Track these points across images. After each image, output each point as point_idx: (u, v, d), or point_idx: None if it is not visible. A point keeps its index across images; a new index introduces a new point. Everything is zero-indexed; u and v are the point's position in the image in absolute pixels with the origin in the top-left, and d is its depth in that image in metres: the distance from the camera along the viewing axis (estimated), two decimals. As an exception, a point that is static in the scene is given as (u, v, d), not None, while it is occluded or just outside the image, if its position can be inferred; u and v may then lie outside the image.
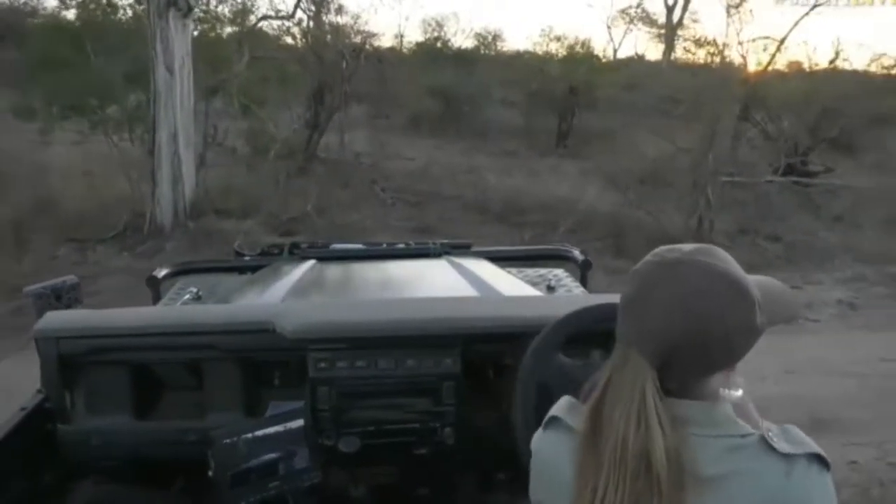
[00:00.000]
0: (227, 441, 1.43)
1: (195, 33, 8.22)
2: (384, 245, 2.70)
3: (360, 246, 2.69)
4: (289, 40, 10.96)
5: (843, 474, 3.69)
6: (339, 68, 9.36)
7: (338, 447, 1.52)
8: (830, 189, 9.74)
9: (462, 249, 2.61)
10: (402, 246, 2.64)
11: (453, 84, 14.21)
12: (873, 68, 15.14)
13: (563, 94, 13.37)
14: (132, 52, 7.28)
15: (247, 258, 2.62)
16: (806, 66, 13.35)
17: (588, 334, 1.37)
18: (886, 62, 15.41)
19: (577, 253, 2.66)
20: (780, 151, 10.18)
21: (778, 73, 11.28)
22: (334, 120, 9.97)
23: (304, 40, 10.47)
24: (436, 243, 2.57)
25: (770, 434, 0.84)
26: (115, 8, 8.73)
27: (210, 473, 1.42)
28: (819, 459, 0.84)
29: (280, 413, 1.50)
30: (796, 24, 10.04)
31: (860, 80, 13.39)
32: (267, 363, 1.60)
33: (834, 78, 12.83)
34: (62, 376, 1.52)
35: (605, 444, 0.82)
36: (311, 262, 2.32)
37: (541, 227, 7.87)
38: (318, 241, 2.72)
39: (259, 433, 1.45)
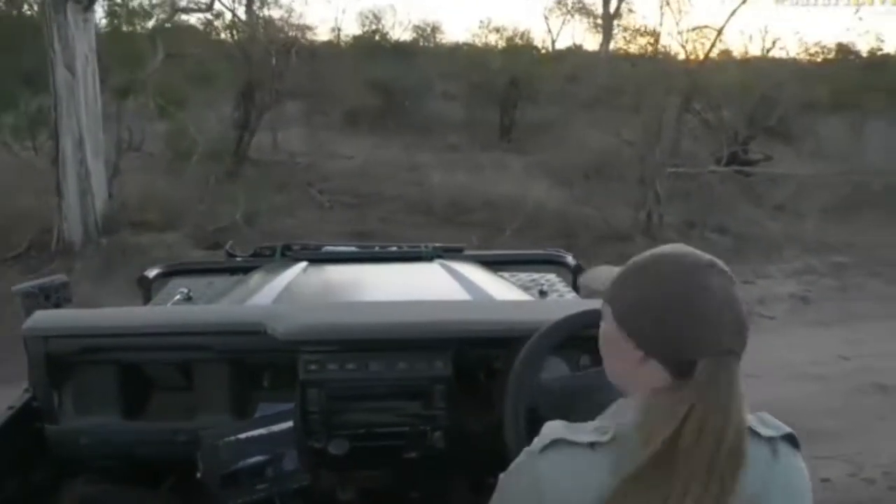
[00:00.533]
0: (216, 442, 1.40)
1: (102, 28, 7.46)
2: (377, 248, 2.68)
3: (352, 248, 2.67)
4: (221, 35, 10.22)
5: (817, 495, 3.40)
6: (268, 64, 8.71)
7: (327, 450, 1.49)
8: (771, 178, 9.65)
9: (454, 253, 2.59)
10: (394, 249, 2.62)
11: (393, 78, 13.74)
12: (802, 56, 15.37)
13: (505, 87, 13.02)
14: (34, 51, 6.47)
15: (238, 259, 2.59)
16: (738, 54, 13.44)
17: (577, 340, 1.34)
18: (811, 49, 15.70)
19: (569, 258, 2.65)
20: (721, 141, 10.04)
21: (716, 63, 11.15)
22: (266, 119, 9.33)
23: (231, 35, 9.75)
24: (428, 246, 2.54)
25: (752, 421, 0.87)
26: (16, 2, 7.84)
27: (199, 474, 1.40)
28: (792, 439, 0.91)
29: (270, 415, 1.48)
30: (733, 12, 9.91)
31: (792, 69, 13.50)
32: (257, 365, 1.58)
33: (768, 67, 12.89)
34: (50, 376, 1.50)
35: (689, 456, 0.80)
36: (303, 263, 2.28)
37: (488, 228, 7.46)
38: (311, 243, 2.66)
39: (248, 435, 1.42)
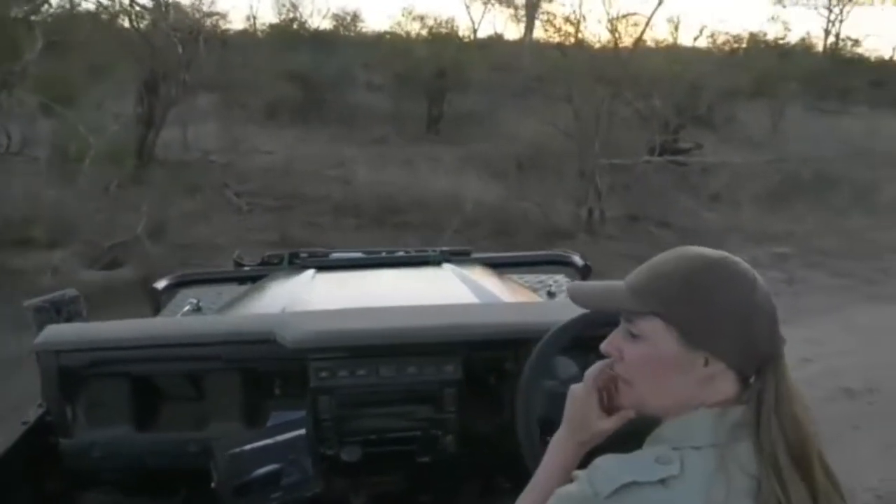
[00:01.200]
0: (229, 452, 1.38)
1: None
2: (384, 253, 2.65)
3: (360, 254, 2.63)
4: (120, 22, 9.06)
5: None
6: (174, 53, 7.74)
7: (339, 456, 1.48)
8: (704, 167, 9.47)
9: (462, 256, 2.54)
10: (401, 254, 2.60)
11: (313, 68, 12.96)
12: (719, 45, 15.51)
13: (432, 76, 12.41)
14: None
15: (247, 268, 2.56)
16: (658, 42, 13.32)
17: (587, 340, 1.25)
18: (723, 38, 15.89)
19: (577, 258, 2.61)
20: (653, 130, 9.80)
21: (642, 51, 10.90)
22: (175, 114, 8.36)
23: (130, 21, 8.66)
24: (435, 250, 2.51)
25: None
26: None
27: (213, 484, 1.38)
28: None
29: (281, 423, 1.46)
30: (661, 2, 9.65)
31: (714, 58, 13.54)
32: (268, 373, 1.56)
33: (686, 55, 12.83)
34: (63, 390, 1.48)
35: (790, 448, 0.79)
36: (311, 271, 2.25)
37: (424, 228, 6.84)
38: (318, 250, 2.63)
39: (261, 443, 1.40)
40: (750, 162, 9.24)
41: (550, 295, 2.33)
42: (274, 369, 1.55)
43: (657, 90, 10.22)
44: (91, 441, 1.48)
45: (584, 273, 2.52)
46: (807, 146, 10.67)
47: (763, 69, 14.32)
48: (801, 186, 8.77)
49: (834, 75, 18.41)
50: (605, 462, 0.82)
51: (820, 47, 22.04)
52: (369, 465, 1.50)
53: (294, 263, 2.42)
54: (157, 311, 2.28)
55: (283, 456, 1.41)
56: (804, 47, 20.76)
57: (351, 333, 1.50)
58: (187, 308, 2.15)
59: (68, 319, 1.63)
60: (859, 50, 24.90)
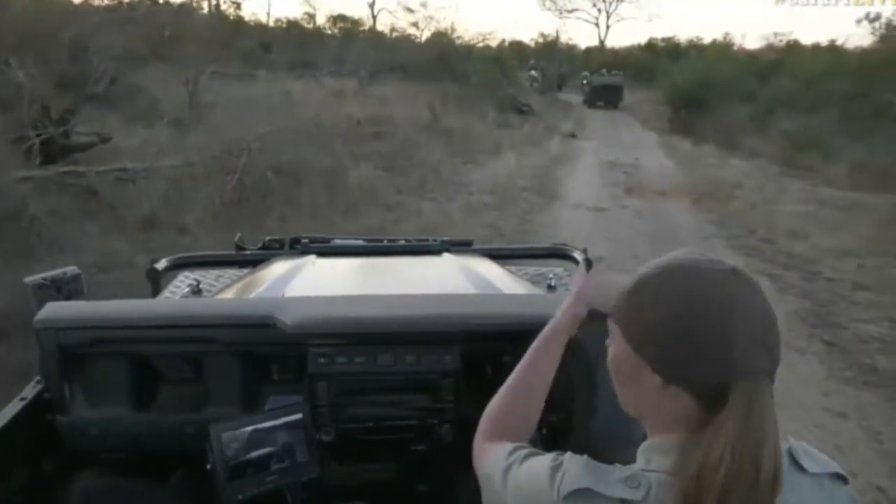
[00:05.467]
0: (226, 434, 1.31)
1: None
2: (385, 241, 2.45)
3: (360, 242, 2.42)
4: None
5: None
6: None
7: (335, 442, 1.43)
8: (122, 176, 6.01)
9: (462, 246, 2.39)
10: (402, 242, 2.41)
11: None
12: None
13: None
14: None
15: (247, 252, 2.39)
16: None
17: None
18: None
19: (577, 252, 2.43)
20: (23, 122, 5.73)
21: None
22: None
23: None
24: (436, 240, 2.37)
25: (796, 451, 0.76)
26: None
27: (208, 466, 1.31)
28: (840, 478, 0.78)
29: (279, 407, 1.40)
30: None
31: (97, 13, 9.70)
32: (266, 357, 1.52)
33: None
34: (62, 367, 1.43)
35: (728, 491, 0.66)
36: (312, 256, 2.13)
37: None
38: (320, 237, 2.39)
39: (257, 427, 1.35)
40: (190, 161, 6.23)
41: (550, 288, 2.17)
42: (272, 353, 1.50)
43: (26, 54, 6.16)
44: (88, 419, 1.44)
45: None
46: (234, 121, 8.15)
47: (158, 28, 11.50)
48: (260, 186, 6.31)
49: (228, 38, 17.03)
50: (575, 464, 0.75)
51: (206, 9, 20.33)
52: (365, 453, 1.46)
53: (295, 248, 2.27)
54: (156, 292, 2.11)
55: (279, 440, 1.35)
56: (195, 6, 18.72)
57: (350, 320, 1.45)
58: (187, 290, 2.07)
59: (68, 297, 1.57)
60: (241, 13, 24.25)
